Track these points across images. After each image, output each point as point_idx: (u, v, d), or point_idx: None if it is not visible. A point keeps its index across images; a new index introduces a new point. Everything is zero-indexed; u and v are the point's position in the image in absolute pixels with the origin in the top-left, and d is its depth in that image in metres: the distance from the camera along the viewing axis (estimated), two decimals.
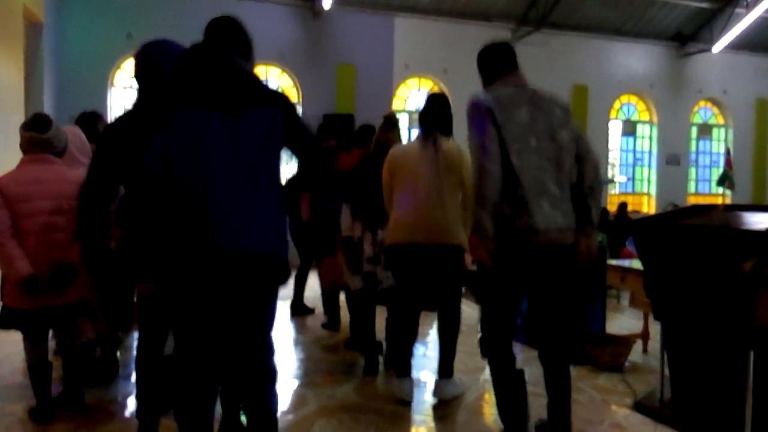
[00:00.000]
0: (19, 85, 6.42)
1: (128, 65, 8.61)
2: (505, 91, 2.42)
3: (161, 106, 1.86)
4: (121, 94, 8.92)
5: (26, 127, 2.82)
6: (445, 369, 3.29)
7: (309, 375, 3.73)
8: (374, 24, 9.96)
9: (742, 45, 11.75)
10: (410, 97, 10.54)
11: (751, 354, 2.52)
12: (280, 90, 2.05)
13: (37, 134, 2.80)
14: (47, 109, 7.40)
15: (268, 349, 1.99)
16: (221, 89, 1.86)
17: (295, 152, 1.98)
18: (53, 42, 8.02)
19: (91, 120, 3.99)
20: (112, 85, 8.86)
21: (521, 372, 2.48)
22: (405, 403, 3.19)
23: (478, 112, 2.35)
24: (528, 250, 2.37)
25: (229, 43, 1.96)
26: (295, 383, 3.57)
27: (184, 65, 1.89)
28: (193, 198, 1.79)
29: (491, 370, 2.50)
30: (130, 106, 2.35)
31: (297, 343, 4.56)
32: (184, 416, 1.91)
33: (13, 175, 2.78)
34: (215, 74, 1.87)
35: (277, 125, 1.89)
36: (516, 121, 2.35)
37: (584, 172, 2.50)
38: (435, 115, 3.26)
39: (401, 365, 3.29)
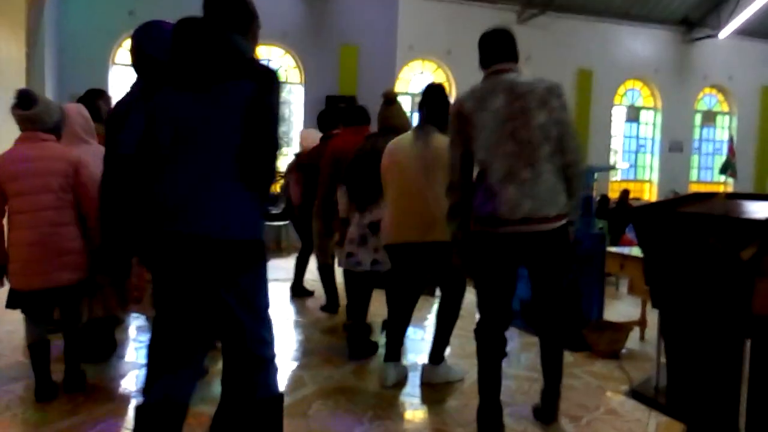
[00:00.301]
0: (21, 61, 6.39)
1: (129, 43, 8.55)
2: (485, 83, 2.52)
3: (149, 87, 1.85)
4: (123, 71, 8.88)
5: (13, 105, 2.79)
6: (435, 355, 3.30)
7: (307, 357, 3.76)
8: (378, 4, 9.85)
9: (749, 31, 11.63)
10: (413, 79, 10.47)
11: (748, 342, 2.53)
12: (271, 67, 1.88)
13: (22, 111, 2.75)
14: (48, 86, 7.37)
15: (253, 335, 1.88)
16: (195, 65, 1.79)
17: (246, 138, 1.77)
18: (55, 19, 7.95)
19: (92, 97, 3.97)
20: (113, 62, 8.81)
21: (498, 362, 2.57)
22: (389, 388, 3.21)
23: (451, 110, 2.59)
24: (498, 239, 2.47)
25: (222, 16, 1.87)
26: (293, 365, 3.59)
27: (171, 43, 1.86)
28: (155, 181, 1.81)
29: (477, 352, 2.60)
30: (128, 87, 2.36)
31: (296, 325, 4.59)
32: (160, 404, 1.82)
33: (4, 155, 2.79)
34: (192, 49, 1.80)
35: (244, 99, 1.75)
36: (489, 110, 2.43)
37: (562, 152, 2.46)
38: (430, 107, 3.21)
39: (389, 350, 3.31)
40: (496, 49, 2.55)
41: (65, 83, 7.73)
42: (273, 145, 1.83)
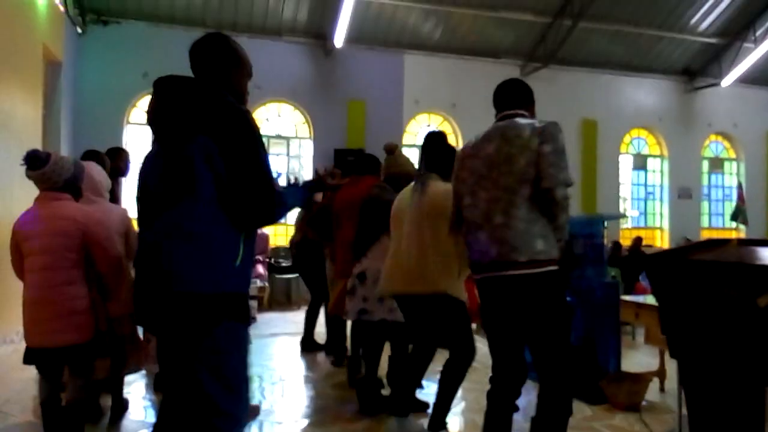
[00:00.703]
0: (37, 121, 6.57)
1: (144, 103, 8.79)
2: (487, 130, 2.54)
3: None
4: (137, 131, 9.10)
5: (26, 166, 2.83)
6: (434, 421, 3.04)
7: (318, 414, 3.67)
8: (384, 61, 10.14)
9: (751, 79, 11.79)
10: (420, 132, 10.64)
11: None
12: (239, 114, 1.81)
13: (32, 171, 2.77)
14: (64, 145, 7.56)
15: (216, 407, 1.74)
16: (163, 119, 1.84)
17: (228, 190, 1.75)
18: (71, 80, 8.23)
19: (110, 156, 4.04)
20: (128, 122, 9.04)
21: (505, 417, 2.50)
22: None
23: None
24: (479, 285, 2.51)
25: (202, 68, 1.92)
26: (304, 423, 3.51)
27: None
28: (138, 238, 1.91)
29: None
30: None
31: (306, 380, 4.51)
32: None
33: (21, 215, 2.83)
34: (162, 104, 1.85)
35: (203, 155, 1.73)
36: (481, 157, 2.47)
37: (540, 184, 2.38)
38: (429, 154, 3.16)
39: (393, 404, 3.22)
40: (503, 97, 2.60)
41: (81, 143, 7.90)
42: (256, 186, 1.75)
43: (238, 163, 1.74)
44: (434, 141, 3.20)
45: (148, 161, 1.91)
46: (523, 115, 2.51)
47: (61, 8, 7.40)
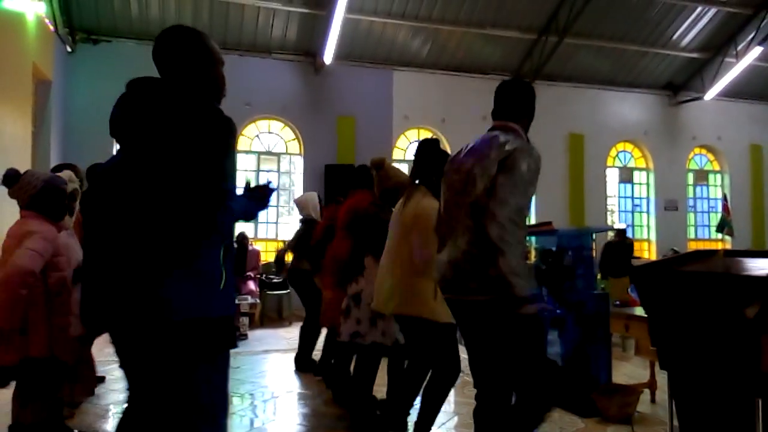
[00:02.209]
0: (27, 140, 6.57)
1: None
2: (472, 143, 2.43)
3: None
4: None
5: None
6: (398, 423, 3.02)
7: (312, 430, 3.66)
8: (374, 77, 10.23)
9: (733, 92, 12.01)
10: (409, 147, 10.71)
11: (759, 402, 2.49)
12: (208, 117, 1.70)
13: (7, 189, 2.85)
14: (54, 163, 7.51)
15: (188, 421, 1.68)
16: (121, 128, 1.76)
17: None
18: (61, 99, 8.22)
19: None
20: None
21: None
22: None
23: None
24: (448, 304, 2.44)
25: (169, 67, 1.82)
26: None
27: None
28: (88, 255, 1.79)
29: None
30: None
31: (300, 397, 4.49)
32: None
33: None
34: (120, 114, 1.78)
35: (160, 165, 1.64)
36: (459, 172, 2.33)
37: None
38: (419, 164, 3.02)
39: (386, 422, 3.17)
40: (498, 103, 2.48)
41: (71, 161, 7.86)
42: (199, 185, 1.64)
43: (192, 167, 1.63)
44: (426, 149, 3.05)
45: (112, 172, 1.77)
46: (509, 129, 2.38)
47: (51, 27, 7.41)
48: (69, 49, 8.54)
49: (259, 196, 2.11)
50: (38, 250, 2.67)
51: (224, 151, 1.70)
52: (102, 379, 4.48)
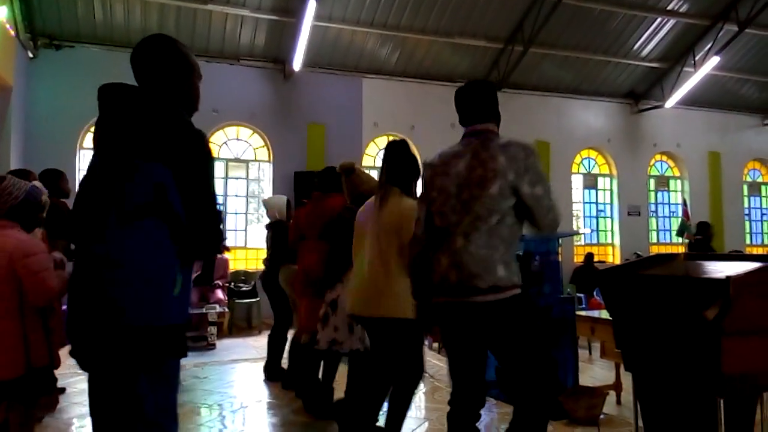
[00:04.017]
0: None
1: None
2: (456, 145, 2.45)
3: None
4: (90, 156, 8.88)
5: None
6: (365, 429, 3.01)
7: None
8: (343, 85, 10.24)
9: (692, 101, 12.40)
10: (379, 154, 10.74)
11: (721, 402, 2.56)
12: (191, 137, 1.73)
13: None
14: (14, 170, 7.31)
15: (131, 429, 1.66)
16: (109, 137, 1.76)
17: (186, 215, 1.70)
18: (22, 105, 8.01)
19: (53, 177, 3.95)
20: (81, 147, 8.83)
21: None
22: None
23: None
24: (439, 309, 2.41)
25: (148, 74, 1.82)
26: None
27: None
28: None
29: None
30: None
31: (269, 407, 4.45)
32: None
33: None
34: (109, 120, 1.78)
35: (152, 185, 1.66)
36: (451, 174, 2.37)
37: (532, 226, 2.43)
38: (389, 165, 3.00)
39: (363, 428, 3.15)
40: (471, 108, 2.44)
41: (33, 168, 7.65)
42: (207, 219, 1.72)
43: (192, 194, 1.69)
44: (395, 151, 3.02)
45: (88, 182, 1.80)
46: (494, 133, 2.41)
47: (12, 32, 7.23)
48: (31, 55, 8.33)
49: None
50: (51, 267, 2.65)
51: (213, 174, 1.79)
52: (62, 390, 4.36)
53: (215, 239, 1.76)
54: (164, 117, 1.73)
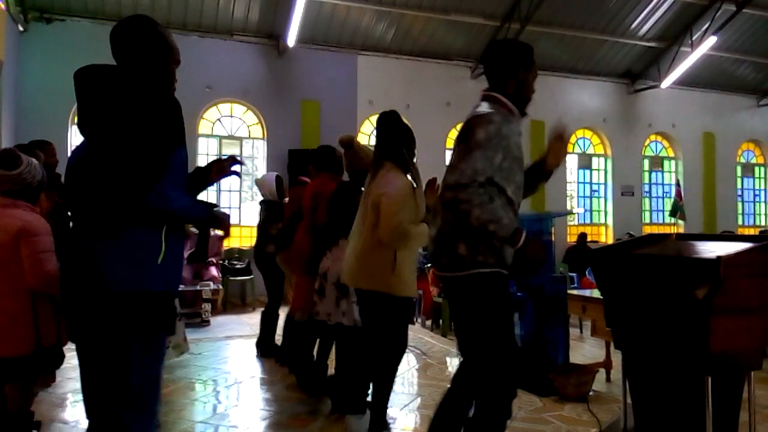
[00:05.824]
0: None
1: None
2: None
3: None
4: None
5: None
6: (376, 422, 3.00)
7: (275, 415, 3.67)
8: (338, 62, 10.14)
9: (688, 81, 12.36)
10: (374, 132, 10.69)
11: (708, 380, 2.60)
12: (158, 97, 1.75)
13: (3, 171, 2.59)
14: (5, 145, 7.24)
15: (114, 418, 1.68)
16: (86, 114, 1.80)
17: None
18: (13, 79, 7.91)
19: (40, 149, 3.74)
20: (73, 122, 8.74)
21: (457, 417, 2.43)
22: None
23: None
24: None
25: (125, 53, 1.83)
26: (262, 425, 3.51)
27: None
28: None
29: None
30: None
31: (262, 383, 4.49)
32: None
33: None
34: (85, 99, 1.80)
35: (111, 140, 1.69)
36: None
37: None
38: (383, 138, 2.97)
39: (348, 401, 3.22)
40: (485, 69, 2.42)
41: (22, 141, 7.60)
42: (130, 164, 1.65)
43: (127, 138, 1.66)
44: (387, 122, 2.96)
45: (74, 157, 1.87)
46: (492, 98, 2.33)
47: (2, 6, 7.09)
48: (21, 29, 8.20)
49: (218, 171, 2.17)
50: (51, 249, 2.60)
51: (165, 134, 1.71)
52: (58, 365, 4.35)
53: (133, 192, 1.65)
54: (139, 89, 1.76)
